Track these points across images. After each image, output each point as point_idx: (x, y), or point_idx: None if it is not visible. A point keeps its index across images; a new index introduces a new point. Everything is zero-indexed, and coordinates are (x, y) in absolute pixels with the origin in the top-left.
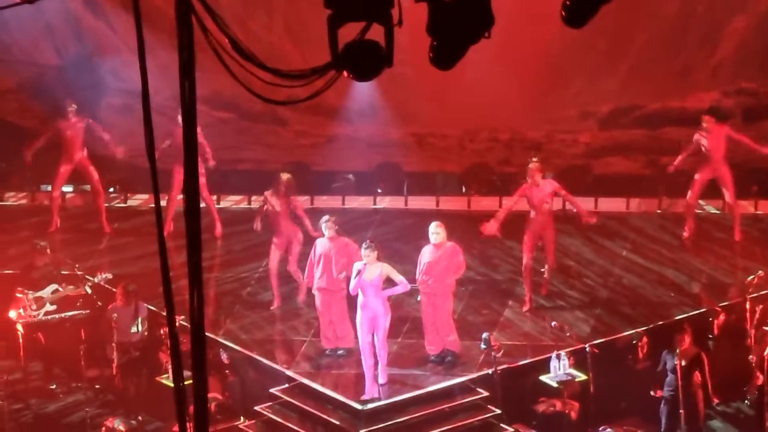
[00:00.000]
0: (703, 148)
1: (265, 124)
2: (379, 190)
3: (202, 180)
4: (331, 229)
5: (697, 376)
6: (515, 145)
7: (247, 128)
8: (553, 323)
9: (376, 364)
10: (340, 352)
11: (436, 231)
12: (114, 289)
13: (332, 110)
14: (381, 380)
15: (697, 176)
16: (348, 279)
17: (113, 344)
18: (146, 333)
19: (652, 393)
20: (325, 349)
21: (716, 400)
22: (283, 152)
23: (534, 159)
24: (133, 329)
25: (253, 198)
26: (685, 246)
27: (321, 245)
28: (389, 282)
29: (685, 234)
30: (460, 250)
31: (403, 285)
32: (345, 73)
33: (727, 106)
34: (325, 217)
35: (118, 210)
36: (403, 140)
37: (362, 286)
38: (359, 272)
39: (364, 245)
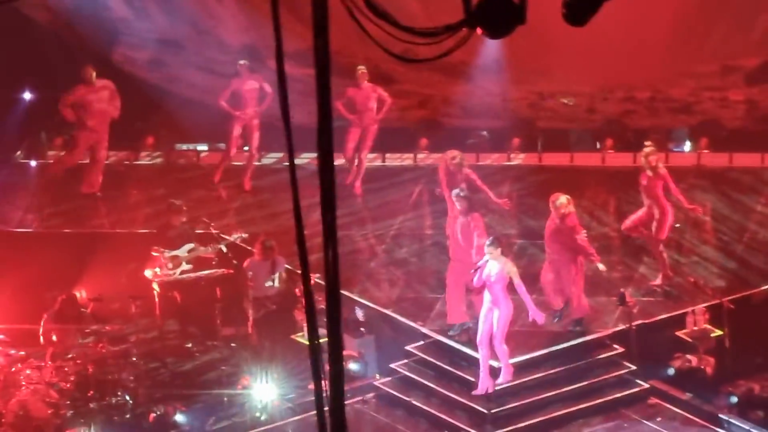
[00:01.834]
0: None
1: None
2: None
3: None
4: (462, 202)
5: None
6: (658, 106)
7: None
8: (689, 278)
9: (490, 357)
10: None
11: (558, 203)
12: (250, 248)
13: (451, 67)
14: (501, 379)
15: None
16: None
17: (249, 300)
18: (283, 287)
19: None
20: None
21: None
22: (397, 113)
23: (648, 143)
24: (269, 284)
25: (387, 155)
26: None
27: (455, 220)
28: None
29: None
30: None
31: (519, 287)
32: (478, 31)
33: None
34: (456, 191)
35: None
36: (533, 98)
37: (485, 281)
38: (480, 268)
39: (487, 242)
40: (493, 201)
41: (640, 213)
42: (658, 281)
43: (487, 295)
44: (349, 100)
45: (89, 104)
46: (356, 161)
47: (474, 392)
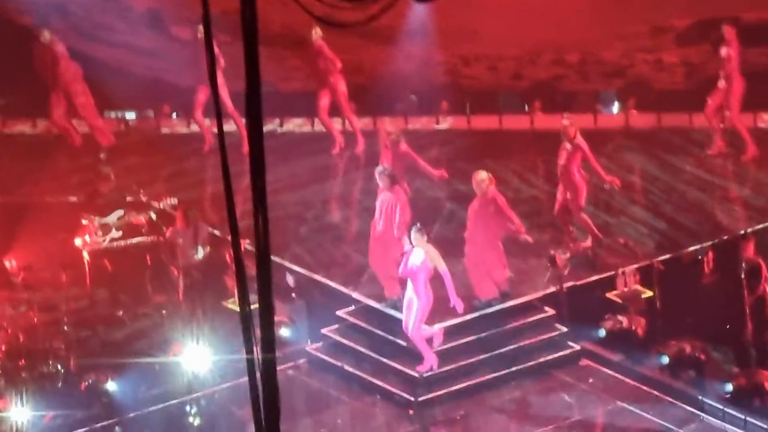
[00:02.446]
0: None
1: (282, 48)
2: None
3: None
4: (384, 180)
5: (760, 288)
6: (589, 70)
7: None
8: (619, 239)
9: (423, 340)
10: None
11: (480, 180)
12: (176, 213)
13: (377, 32)
14: (424, 367)
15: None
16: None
17: (177, 268)
18: (207, 256)
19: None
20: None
21: None
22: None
23: (566, 115)
24: (195, 252)
25: (316, 120)
26: (748, 160)
27: (380, 196)
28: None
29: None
30: (502, 200)
31: (445, 274)
32: None
33: None
34: (379, 168)
35: (181, 135)
36: (459, 62)
37: (409, 269)
38: (406, 255)
39: (414, 228)
40: (431, 175)
41: (559, 196)
42: (588, 243)
43: (409, 283)
44: (312, 66)
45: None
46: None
47: (418, 368)
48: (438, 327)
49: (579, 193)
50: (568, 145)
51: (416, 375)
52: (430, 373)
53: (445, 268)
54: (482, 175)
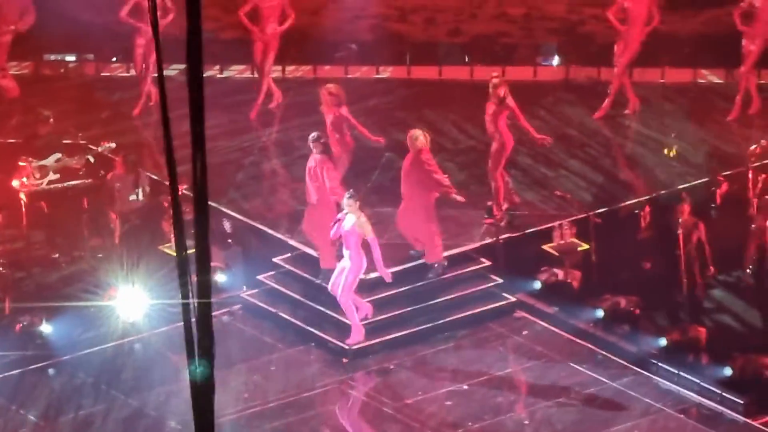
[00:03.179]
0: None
1: None
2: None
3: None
4: (318, 146)
5: (696, 245)
6: (535, 26)
7: None
8: (556, 192)
9: (352, 308)
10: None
11: (413, 137)
12: (117, 158)
13: None
14: (351, 339)
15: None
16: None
17: (115, 213)
18: (146, 201)
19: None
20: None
21: (713, 270)
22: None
23: (495, 74)
24: (133, 197)
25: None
26: (690, 116)
27: (311, 161)
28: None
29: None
30: (431, 163)
31: (373, 242)
32: None
33: None
34: (313, 135)
35: (121, 79)
36: (396, 13)
37: (342, 235)
38: (338, 221)
39: (347, 194)
40: (370, 140)
41: (493, 151)
42: (517, 199)
43: (345, 249)
44: (254, 10)
45: None
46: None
47: (347, 342)
48: (372, 275)
49: (506, 149)
50: (495, 103)
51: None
52: (364, 322)
53: (373, 236)
54: (415, 134)
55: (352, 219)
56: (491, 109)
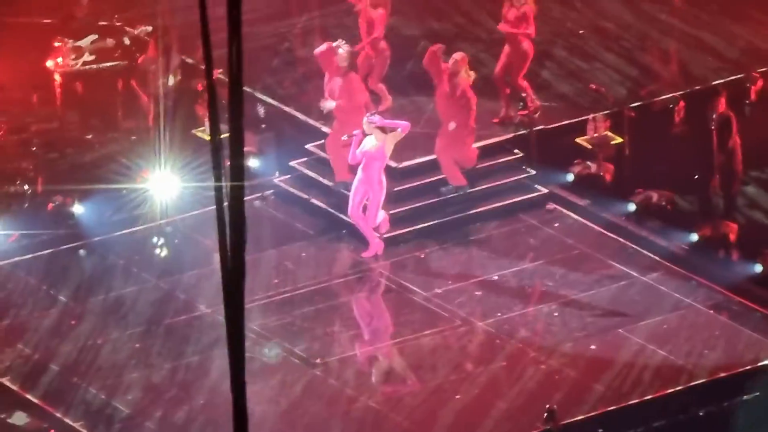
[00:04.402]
0: None
1: None
2: None
3: None
4: (344, 60)
5: (729, 141)
6: None
7: None
8: (591, 85)
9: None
10: None
11: (455, 63)
12: (150, 40)
13: None
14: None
15: None
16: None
17: (148, 96)
18: (180, 85)
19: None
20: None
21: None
22: None
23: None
24: (166, 80)
25: None
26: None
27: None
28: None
29: None
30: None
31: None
32: None
33: None
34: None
35: None
36: None
37: (363, 155)
38: (358, 140)
39: (368, 115)
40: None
41: (503, 57)
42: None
43: (360, 171)
44: None
45: None
46: None
47: (363, 254)
48: (406, 163)
49: (526, 58)
50: (515, 9)
51: (383, 212)
52: (395, 211)
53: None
54: (458, 63)
55: (374, 141)
56: (512, 13)
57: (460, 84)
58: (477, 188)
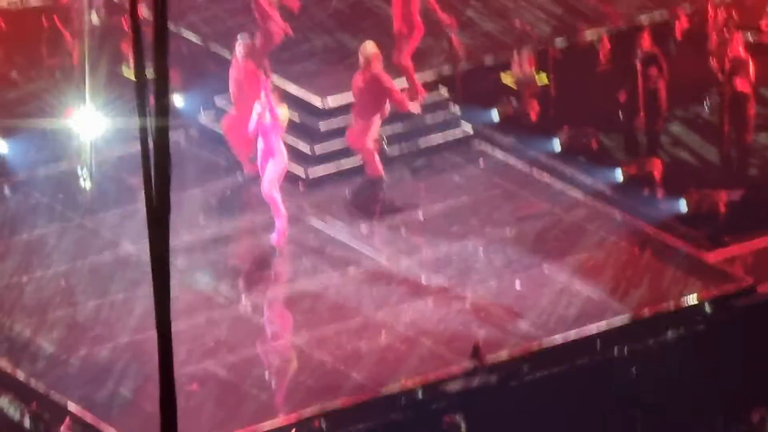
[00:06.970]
0: None
1: None
2: None
3: None
4: (240, 51)
5: (655, 79)
6: None
7: None
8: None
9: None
10: None
11: (363, 52)
12: None
13: None
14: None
15: None
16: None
17: (72, 33)
18: (105, 22)
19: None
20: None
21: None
22: None
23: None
24: (91, 17)
25: None
26: None
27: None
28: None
29: None
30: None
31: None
32: None
33: None
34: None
35: None
36: None
37: (261, 128)
38: (258, 114)
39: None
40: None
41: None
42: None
43: (260, 142)
44: None
45: None
46: None
47: (273, 242)
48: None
49: (416, 37)
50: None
51: (308, 153)
52: (321, 153)
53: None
54: (367, 49)
55: (267, 115)
56: None
57: (376, 76)
58: (401, 125)
